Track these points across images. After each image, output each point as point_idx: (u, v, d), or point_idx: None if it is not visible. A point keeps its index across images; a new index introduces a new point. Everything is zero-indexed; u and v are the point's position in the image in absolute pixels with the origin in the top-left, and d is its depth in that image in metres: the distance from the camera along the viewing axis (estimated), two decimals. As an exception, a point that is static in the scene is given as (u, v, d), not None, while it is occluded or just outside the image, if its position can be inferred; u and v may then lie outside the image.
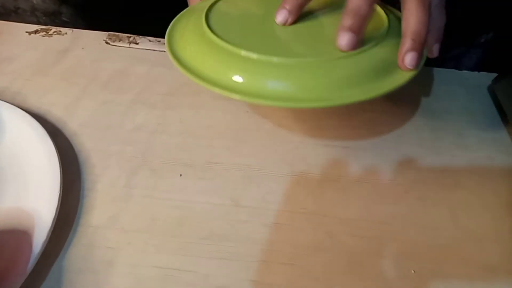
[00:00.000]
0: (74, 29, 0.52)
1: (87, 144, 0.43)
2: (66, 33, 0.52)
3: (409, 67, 0.28)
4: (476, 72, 0.52)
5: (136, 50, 0.51)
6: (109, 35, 0.52)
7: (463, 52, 0.56)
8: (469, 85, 0.51)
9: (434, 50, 0.31)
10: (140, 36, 0.52)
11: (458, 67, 0.49)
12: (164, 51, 0.52)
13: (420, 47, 0.28)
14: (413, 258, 0.37)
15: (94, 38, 0.52)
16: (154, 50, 0.51)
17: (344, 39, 0.27)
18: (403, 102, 0.49)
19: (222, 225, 0.39)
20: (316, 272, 0.36)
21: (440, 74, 0.52)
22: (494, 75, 0.50)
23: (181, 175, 0.42)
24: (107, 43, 0.51)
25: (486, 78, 0.51)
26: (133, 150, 0.43)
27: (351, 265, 0.37)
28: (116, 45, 0.51)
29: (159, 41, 0.52)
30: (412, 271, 0.36)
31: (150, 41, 0.52)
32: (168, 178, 0.41)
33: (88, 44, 0.51)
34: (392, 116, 0.47)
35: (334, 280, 0.36)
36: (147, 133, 0.44)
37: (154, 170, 0.42)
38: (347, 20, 0.27)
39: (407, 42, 0.27)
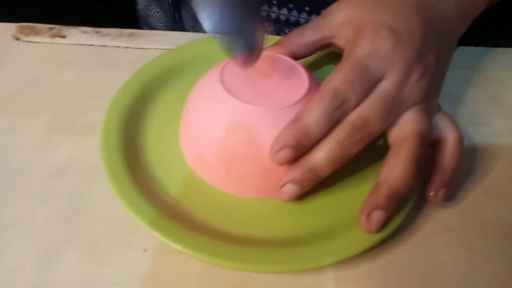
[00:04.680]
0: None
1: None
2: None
3: (372, 228, 0.24)
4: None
5: (62, 47, 0.38)
6: (20, 27, 0.39)
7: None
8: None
9: (440, 196, 0.27)
10: (69, 27, 0.39)
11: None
12: (105, 46, 0.38)
13: (393, 207, 0.24)
14: None
15: (-4, 31, 0.38)
16: (91, 45, 0.38)
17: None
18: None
19: None
20: None
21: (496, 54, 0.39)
22: None
23: (145, 250, 0.25)
24: (16, 39, 0.38)
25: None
26: (52, 209, 0.27)
27: None
28: (30, 41, 0.38)
29: (98, 31, 0.39)
30: None
31: (85, 32, 0.39)
32: (122, 259, 0.25)
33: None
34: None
35: None
36: (78, 178, 0.28)
37: (90, 249, 0.25)
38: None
39: (380, 197, 0.24)
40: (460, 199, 0.28)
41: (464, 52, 0.38)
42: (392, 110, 0.24)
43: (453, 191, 0.28)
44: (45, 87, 0.34)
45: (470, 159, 0.30)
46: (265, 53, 0.29)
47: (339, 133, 0.24)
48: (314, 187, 0.26)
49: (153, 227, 0.23)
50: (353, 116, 0.24)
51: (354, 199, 0.26)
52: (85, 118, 0.31)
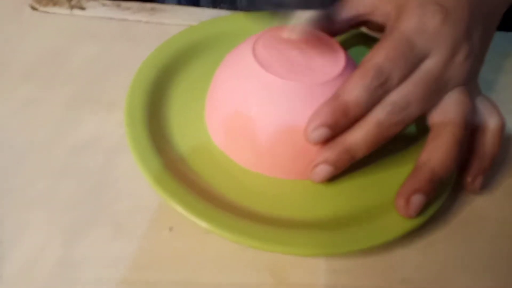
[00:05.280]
0: (-21, -12, 0.38)
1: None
2: (-35, -6, 0.38)
3: (411, 212, 0.23)
4: None
5: (81, 19, 0.37)
6: (37, -4, 0.39)
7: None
8: None
9: (477, 184, 0.26)
10: (89, -2, 0.40)
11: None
12: (126, 20, 0.36)
13: (433, 192, 0.24)
14: None
15: (12, 0, 0.37)
16: (111, 18, 0.37)
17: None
18: None
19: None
20: None
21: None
22: None
23: (171, 229, 0.24)
24: (34, 8, 0.37)
25: None
26: (76, 186, 0.26)
27: None
28: (48, 12, 0.37)
29: (119, 5, 0.38)
30: None
31: (104, 5, 0.38)
32: (147, 238, 0.24)
33: (1, 11, 0.37)
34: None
35: None
36: (102, 153, 0.27)
37: (119, 225, 0.24)
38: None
39: (421, 180, 0.23)
40: (495, 187, 0.27)
41: (496, 38, 0.36)
42: (435, 91, 0.23)
43: (488, 179, 0.27)
44: (66, 60, 0.33)
45: (504, 147, 0.29)
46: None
47: (380, 113, 0.23)
48: (347, 168, 0.25)
49: (183, 206, 0.23)
50: (395, 96, 0.23)
51: (389, 182, 0.25)
52: (109, 93, 0.30)
